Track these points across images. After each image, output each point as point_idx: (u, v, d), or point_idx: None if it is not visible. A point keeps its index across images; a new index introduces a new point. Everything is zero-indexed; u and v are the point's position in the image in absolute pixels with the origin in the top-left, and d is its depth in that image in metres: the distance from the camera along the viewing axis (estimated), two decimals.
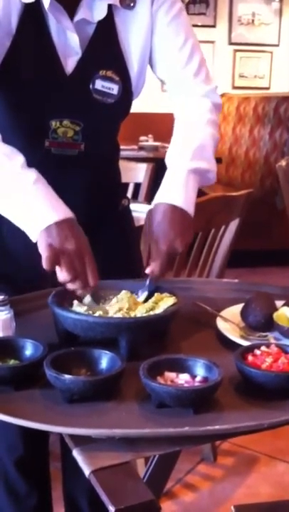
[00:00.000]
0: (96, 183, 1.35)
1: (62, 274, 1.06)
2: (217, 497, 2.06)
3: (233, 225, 1.95)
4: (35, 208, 1.09)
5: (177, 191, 1.22)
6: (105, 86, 1.25)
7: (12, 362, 0.98)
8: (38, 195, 1.10)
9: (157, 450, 0.86)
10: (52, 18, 1.20)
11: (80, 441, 0.84)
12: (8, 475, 1.48)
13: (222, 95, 5.05)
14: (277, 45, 5.37)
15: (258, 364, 0.96)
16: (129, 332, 1.03)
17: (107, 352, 0.97)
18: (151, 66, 1.36)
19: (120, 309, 1.09)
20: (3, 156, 1.13)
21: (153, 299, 1.13)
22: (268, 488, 2.10)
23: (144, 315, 1.08)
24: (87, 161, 1.30)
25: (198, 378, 0.93)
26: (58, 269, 1.06)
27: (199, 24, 5.12)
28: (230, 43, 5.29)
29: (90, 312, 1.08)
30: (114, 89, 1.26)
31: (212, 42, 5.22)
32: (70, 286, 1.08)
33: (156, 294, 1.14)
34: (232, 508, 1.15)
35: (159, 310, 1.09)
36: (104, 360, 0.97)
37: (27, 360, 0.98)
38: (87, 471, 0.80)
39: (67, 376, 0.90)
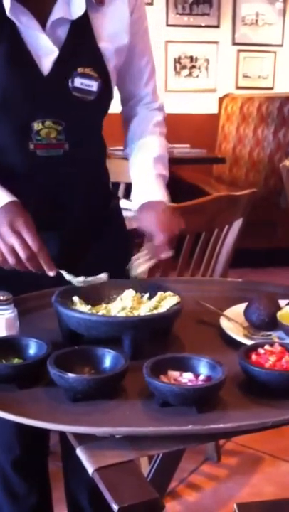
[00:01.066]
0: (84, 183, 1.35)
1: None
2: (221, 497, 2.06)
3: (237, 224, 1.95)
4: None
5: (155, 190, 1.35)
6: (84, 83, 1.25)
7: (16, 361, 0.98)
8: None
9: (161, 448, 0.86)
10: (18, 21, 1.19)
11: (84, 439, 0.84)
12: (6, 475, 1.48)
13: (226, 95, 5.05)
14: (281, 46, 5.36)
15: (261, 363, 0.96)
16: (132, 331, 1.03)
17: (110, 351, 0.97)
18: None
19: (124, 308, 1.09)
20: None
21: (156, 298, 1.13)
22: (271, 487, 2.09)
23: (148, 314, 1.08)
24: (73, 161, 1.30)
25: (201, 377, 0.93)
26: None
27: (203, 24, 5.11)
28: (234, 43, 5.28)
29: (94, 311, 1.08)
30: (93, 86, 1.26)
31: (216, 42, 5.21)
32: (13, 262, 1.11)
33: (159, 293, 1.14)
34: (234, 506, 1.15)
35: (162, 309, 1.09)
36: (108, 358, 0.97)
37: (31, 359, 0.98)
38: (90, 469, 0.80)
39: (70, 375, 0.90)
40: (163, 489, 1.73)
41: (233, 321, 1.18)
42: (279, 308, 1.17)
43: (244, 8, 5.27)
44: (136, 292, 1.15)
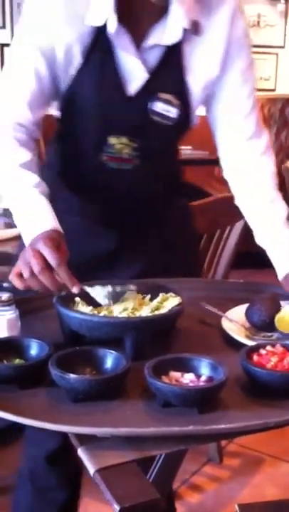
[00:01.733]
0: (153, 193, 1.38)
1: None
2: (223, 498, 2.06)
3: (239, 225, 1.95)
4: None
5: None
6: (164, 109, 1.27)
7: (17, 361, 0.98)
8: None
9: (162, 449, 0.86)
10: (117, 42, 1.21)
11: (85, 440, 0.84)
12: (37, 469, 1.47)
13: None
14: (283, 47, 5.36)
15: (263, 364, 0.96)
16: (134, 331, 1.03)
17: (112, 351, 0.97)
18: (208, 101, 1.36)
19: (125, 309, 1.09)
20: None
21: (158, 299, 1.13)
22: (273, 489, 2.09)
23: (149, 315, 1.08)
24: (142, 175, 1.33)
25: (203, 378, 0.93)
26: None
27: None
28: None
29: (95, 312, 1.08)
30: (172, 112, 1.27)
31: None
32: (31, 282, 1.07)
33: (161, 295, 1.14)
34: (236, 506, 1.15)
35: (164, 310, 1.09)
36: (110, 359, 0.97)
37: (32, 360, 0.98)
38: (91, 469, 0.80)
39: (72, 375, 0.90)
40: (165, 490, 1.73)
41: (235, 322, 1.18)
42: (280, 309, 1.17)
43: (246, 10, 5.26)
44: (138, 293, 1.15)
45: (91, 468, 0.80)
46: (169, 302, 1.11)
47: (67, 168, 1.38)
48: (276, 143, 4.39)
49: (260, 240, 1.37)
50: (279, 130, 4.37)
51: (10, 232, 2.07)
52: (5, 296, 1.07)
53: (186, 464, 1.99)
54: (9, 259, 1.90)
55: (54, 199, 1.31)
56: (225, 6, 1.28)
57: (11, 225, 2.18)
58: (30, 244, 1.10)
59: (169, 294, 1.14)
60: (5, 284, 2.11)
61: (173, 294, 1.14)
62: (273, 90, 5.39)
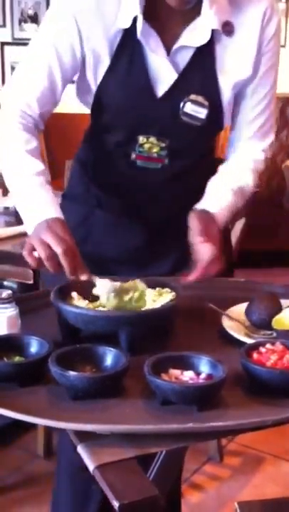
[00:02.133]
0: (181, 193, 1.38)
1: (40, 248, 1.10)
2: (223, 497, 2.06)
3: (239, 224, 1.95)
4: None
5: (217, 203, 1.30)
6: (194, 110, 1.27)
7: (17, 359, 0.98)
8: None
9: (161, 446, 0.87)
10: (146, 44, 1.22)
11: (85, 437, 0.84)
12: (75, 471, 1.45)
13: None
14: (284, 46, 5.36)
15: (262, 361, 0.97)
16: (128, 325, 1.04)
17: (111, 349, 0.98)
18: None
19: (121, 303, 1.09)
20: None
21: (155, 292, 1.13)
22: (274, 488, 2.09)
23: (143, 309, 1.09)
24: (170, 175, 1.34)
25: (202, 375, 0.94)
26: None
27: None
28: None
29: (91, 306, 1.09)
30: (202, 113, 1.27)
31: None
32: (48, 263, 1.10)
33: (157, 289, 1.14)
34: (235, 504, 1.15)
35: (157, 305, 1.10)
36: (109, 357, 0.97)
37: (32, 357, 0.98)
38: (91, 466, 0.80)
39: (72, 373, 0.90)
40: (165, 488, 1.72)
41: (235, 320, 1.18)
42: (280, 307, 1.17)
43: None
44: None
45: (90, 464, 0.80)
46: (164, 297, 1.11)
47: (98, 164, 1.40)
48: (276, 142, 4.38)
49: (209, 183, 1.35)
50: (279, 129, 4.37)
51: (10, 231, 2.08)
52: (5, 293, 1.07)
53: (187, 462, 1.98)
54: (9, 258, 1.91)
55: (84, 193, 1.38)
56: (258, 6, 1.27)
57: (11, 223, 2.19)
58: (34, 232, 1.13)
59: (164, 290, 1.14)
60: (5, 282, 2.13)
61: (168, 290, 1.14)
62: None
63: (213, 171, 1.38)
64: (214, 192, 1.33)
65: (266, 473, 2.19)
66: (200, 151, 1.39)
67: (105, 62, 1.25)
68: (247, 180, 1.37)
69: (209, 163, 1.42)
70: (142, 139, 1.29)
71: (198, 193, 1.34)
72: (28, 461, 2.20)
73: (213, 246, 1.18)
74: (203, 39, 1.24)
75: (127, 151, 1.32)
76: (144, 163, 1.32)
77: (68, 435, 1.05)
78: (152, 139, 1.29)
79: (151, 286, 1.15)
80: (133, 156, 1.31)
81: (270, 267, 4.07)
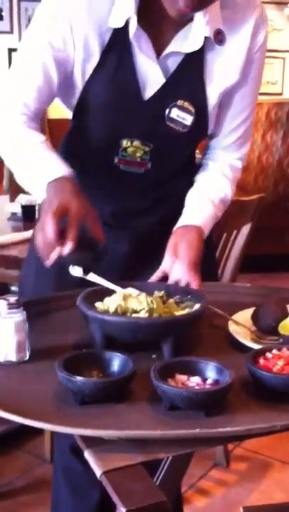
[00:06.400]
0: (163, 197, 1.38)
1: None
2: (230, 502, 2.05)
3: (245, 229, 1.95)
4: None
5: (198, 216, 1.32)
6: (180, 116, 1.27)
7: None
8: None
9: (168, 452, 0.86)
10: (137, 46, 1.22)
11: (92, 442, 0.84)
12: (73, 469, 1.45)
13: None
14: None
15: (269, 367, 0.96)
16: (176, 330, 1.06)
17: (118, 354, 0.98)
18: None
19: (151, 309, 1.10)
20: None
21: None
22: (281, 493, 2.08)
23: (183, 313, 1.11)
24: (153, 179, 1.35)
25: (209, 381, 0.94)
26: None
27: None
28: None
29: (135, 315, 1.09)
30: (188, 119, 1.27)
31: None
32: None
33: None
34: (241, 509, 1.15)
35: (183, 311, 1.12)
36: (116, 362, 0.97)
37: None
38: (98, 472, 0.80)
39: (79, 378, 0.90)
40: (172, 493, 1.72)
41: (241, 326, 1.18)
42: (287, 312, 1.17)
43: None
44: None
45: (97, 470, 0.80)
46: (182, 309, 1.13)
47: (78, 169, 1.38)
48: (283, 146, 4.38)
49: (189, 194, 1.36)
50: (286, 134, 4.37)
51: (17, 236, 2.08)
52: (12, 298, 1.07)
53: (193, 468, 1.98)
54: (17, 263, 1.91)
55: None
56: (250, 14, 1.27)
57: (18, 228, 2.20)
58: (48, 197, 1.09)
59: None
60: (13, 288, 2.13)
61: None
62: (280, 94, 5.40)
63: (192, 180, 1.40)
64: (196, 204, 1.33)
65: (273, 478, 2.18)
66: (183, 158, 1.39)
67: (94, 59, 1.23)
68: (226, 191, 1.39)
69: (190, 170, 1.42)
70: (125, 142, 1.28)
71: (179, 200, 1.35)
72: (36, 465, 2.20)
73: (182, 265, 1.20)
74: (194, 46, 1.24)
75: (109, 155, 1.31)
76: (127, 168, 1.31)
77: (63, 436, 1.05)
78: (136, 143, 1.28)
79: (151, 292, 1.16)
80: (116, 160, 1.31)
81: (276, 272, 4.07)
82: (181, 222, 1.30)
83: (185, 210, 1.32)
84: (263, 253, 3.85)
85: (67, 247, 1.02)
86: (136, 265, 1.37)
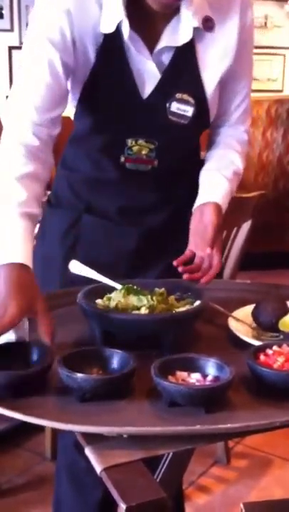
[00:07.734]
0: (171, 195, 1.39)
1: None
2: (230, 499, 2.05)
3: (246, 226, 1.95)
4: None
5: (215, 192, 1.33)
6: (180, 108, 1.28)
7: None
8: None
9: (169, 448, 0.87)
10: (130, 47, 1.23)
11: (92, 439, 0.84)
12: (75, 466, 1.45)
13: None
14: None
15: (269, 363, 0.96)
16: (175, 325, 1.07)
17: (118, 351, 0.98)
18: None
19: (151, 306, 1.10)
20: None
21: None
22: (281, 490, 2.09)
23: (183, 309, 1.11)
24: (161, 176, 1.35)
25: (209, 377, 0.94)
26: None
27: None
28: None
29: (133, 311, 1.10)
30: (188, 111, 1.28)
31: None
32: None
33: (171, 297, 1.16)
34: (241, 505, 1.15)
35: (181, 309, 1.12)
36: (117, 359, 0.97)
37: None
38: (98, 468, 0.80)
39: (79, 375, 0.90)
40: (172, 490, 1.72)
41: (242, 322, 1.18)
42: (287, 309, 1.17)
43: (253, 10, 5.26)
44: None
45: (98, 467, 0.80)
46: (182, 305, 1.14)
47: (86, 168, 1.39)
48: (283, 143, 4.38)
49: (202, 172, 1.38)
50: (286, 131, 4.36)
51: None
52: None
53: (194, 465, 1.98)
54: None
55: (71, 198, 1.37)
56: None
57: None
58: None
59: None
60: None
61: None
62: (281, 91, 5.39)
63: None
64: (210, 182, 1.34)
65: (274, 475, 2.18)
66: (188, 151, 1.40)
67: (91, 63, 1.24)
68: (237, 163, 1.40)
69: (196, 164, 1.42)
70: (130, 141, 1.29)
71: (188, 196, 1.35)
72: (36, 462, 2.20)
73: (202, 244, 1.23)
74: (185, 38, 1.24)
75: (115, 155, 1.31)
76: (134, 166, 1.32)
77: (66, 433, 1.05)
78: (141, 141, 1.29)
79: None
80: (122, 159, 1.31)
81: (276, 269, 4.07)
82: (199, 201, 1.31)
83: (200, 190, 1.33)
84: (262, 250, 3.85)
85: None
86: (143, 262, 1.38)
